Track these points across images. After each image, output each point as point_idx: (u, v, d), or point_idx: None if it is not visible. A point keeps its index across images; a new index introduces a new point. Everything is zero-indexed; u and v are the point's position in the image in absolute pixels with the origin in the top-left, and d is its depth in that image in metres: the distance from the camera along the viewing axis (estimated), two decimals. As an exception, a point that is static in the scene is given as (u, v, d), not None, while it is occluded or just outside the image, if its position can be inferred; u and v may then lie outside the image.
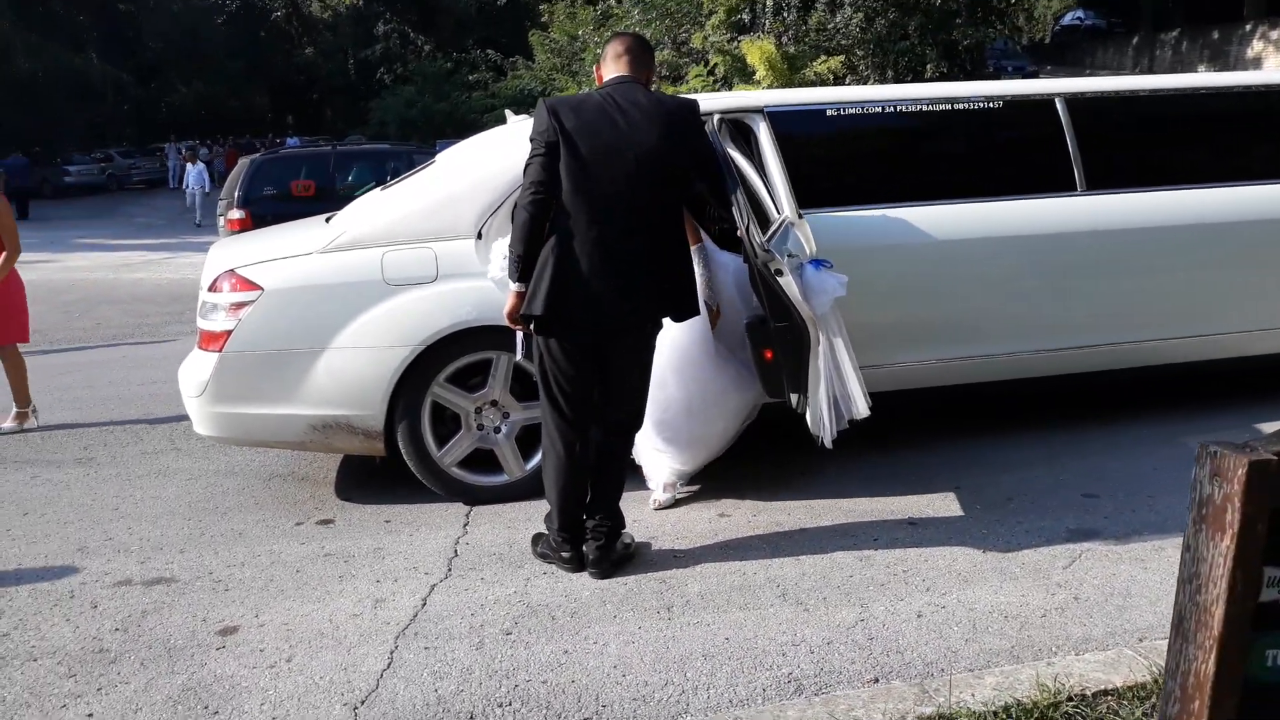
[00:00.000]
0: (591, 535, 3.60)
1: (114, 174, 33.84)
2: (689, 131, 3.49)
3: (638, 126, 3.37)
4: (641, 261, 3.39)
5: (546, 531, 3.70)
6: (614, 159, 3.33)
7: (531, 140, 3.37)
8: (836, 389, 3.74)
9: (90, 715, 2.79)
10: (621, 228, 3.35)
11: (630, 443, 3.78)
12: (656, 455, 4.19)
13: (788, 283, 3.59)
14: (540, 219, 3.32)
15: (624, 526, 3.70)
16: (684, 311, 3.59)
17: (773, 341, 3.74)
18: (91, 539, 4.12)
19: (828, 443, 3.74)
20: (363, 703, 2.80)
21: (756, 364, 3.90)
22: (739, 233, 3.77)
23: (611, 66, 3.54)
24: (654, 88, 3.72)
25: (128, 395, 6.80)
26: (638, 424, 3.75)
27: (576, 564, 3.60)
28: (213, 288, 4.25)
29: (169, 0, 40.51)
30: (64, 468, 5.14)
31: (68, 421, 6.09)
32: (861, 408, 3.79)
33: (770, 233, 3.73)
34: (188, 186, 23.54)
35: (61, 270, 15.56)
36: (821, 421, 3.72)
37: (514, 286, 3.38)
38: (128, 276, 14.65)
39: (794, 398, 3.78)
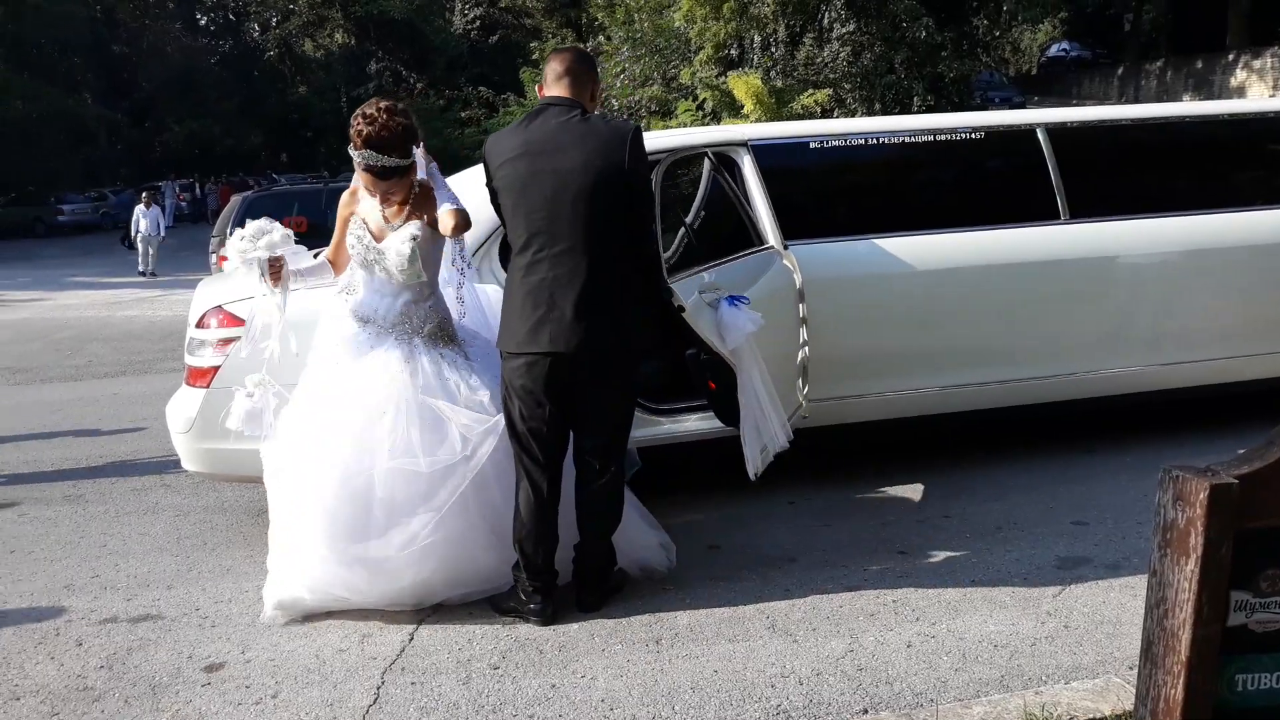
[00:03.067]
0: (576, 577, 3.53)
1: (108, 213, 33.87)
2: (619, 155, 3.27)
3: (563, 150, 3.27)
4: (573, 287, 3.25)
5: (515, 581, 3.49)
6: (534, 184, 3.28)
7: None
8: (759, 421, 3.78)
9: (73, 755, 2.76)
10: (549, 253, 3.28)
11: (615, 473, 3.47)
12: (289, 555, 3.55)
13: (693, 319, 3.62)
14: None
15: (615, 563, 3.65)
16: (631, 343, 3.41)
17: (712, 373, 3.77)
18: (78, 576, 4.10)
19: (752, 475, 3.82)
20: (348, 739, 2.78)
21: (704, 395, 3.90)
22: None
23: (552, 88, 3.42)
24: (600, 110, 3.71)
25: (118, 432, 6.78)
26: (615, 450, 3.46)
27: (547, 616, 3.41)
28: (200, 323, 4.26)
29: (163, 42, 40.80)
30: (52, 505, 5.12)
31: (57, 459, 6.07)
32: (780, 439, 3.86)
33: (687, 273, 3.81)
34: (140, 232, 20.72)
35: (54, 308, 15.56)
36: (746, 456, 3.80)
37: None
38: (120, 314, 14.64)
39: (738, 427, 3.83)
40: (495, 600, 3.53)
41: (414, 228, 3.52)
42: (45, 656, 3.36)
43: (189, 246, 26.05)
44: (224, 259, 12.58)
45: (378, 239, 3.53)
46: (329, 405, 3.50)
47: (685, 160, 4.61)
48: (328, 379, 3.57)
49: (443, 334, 3.63)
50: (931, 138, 4.78)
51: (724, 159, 4.59)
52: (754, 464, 3.86)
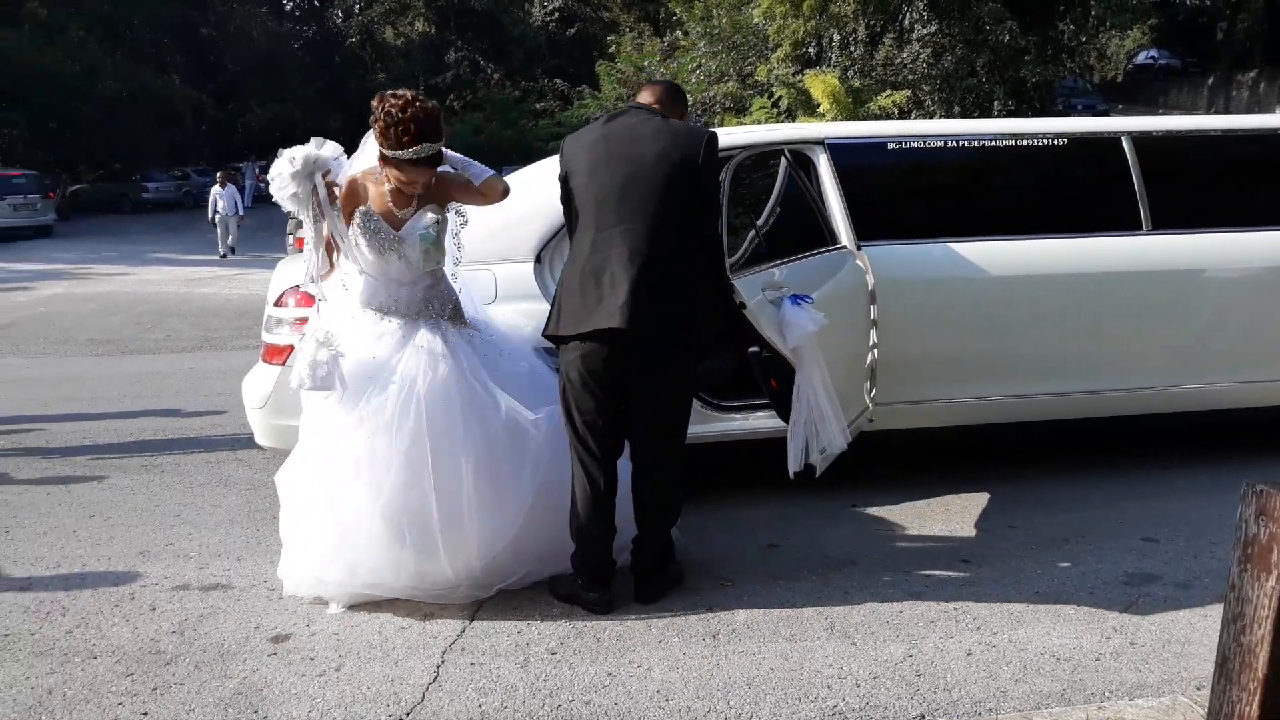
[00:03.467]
0: (634, 569, 3.54)
1: (190, 191, 34.74)
2: (694, 151, 3.34)
3: (640, 141, 3.37)
4: (634, 265, 3.25)
5: (574, 569, 3.50)
6: (606, 168, 3.36)
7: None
8: (817, 422, 3.75)
9: (145, 714, 2.85)
10: (614, 231, 3.30)
11: (673, 466, 3.48)
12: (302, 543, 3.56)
13: (754, 316, 3.60)
14: None
15: (674, 556, 3.67)
16: (691, 332, 3.37)
17: (774, 371, 3.73)
18: (153, 544, 4.23)
19: (791, 473, 3.79)
20: (407, 715, 2.84)
21: (766, 393, 3.86)
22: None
23: (640, 100, 3.66)
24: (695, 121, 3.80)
25: (194, 405, 6.96)
26: (673, 443, 3.46)
27: (603, 606, 3.44)
28: (278, 302, 4.35)
29: (249, 26, 41.66)
30: (130, 473, 5.28)
31: (136, 430, 6.25)
32: (839, 441, 3.82)
33: (756, 269, 3.79)
34: (218, 212, 20.55)
35: (136, 283, 16.00)
36: (796, 454, 3.76)
37: None
38: (199, 291, 15.02)
39: None
40: (553, 584, 3.57)
41: (432, 212, 3.54)
42: (121, 619, 3.47)
43: (267, 227, 26.60)
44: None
45: (395, 228, 3.49)
46: (376, 394, 3.41)
47: (760, 157, 4.59)
48: (367, 371, 3.45)
49: (459, 315, 3.65)
50: (1012, 142, 4.71)
51: (799, 157, 4.56)
52: (796, 462, 3.80)
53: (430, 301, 3.58)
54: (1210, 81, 34.04)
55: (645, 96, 3.69)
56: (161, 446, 5.84)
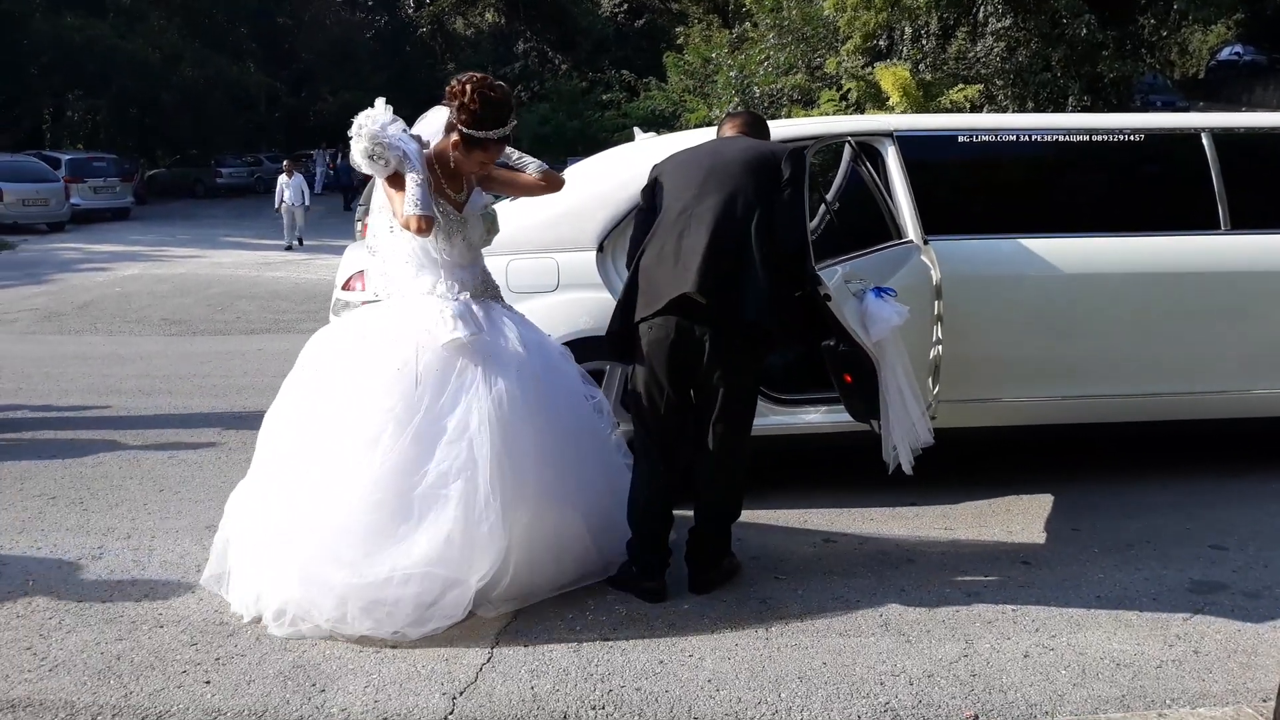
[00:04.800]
0: (689, 559, 3.56)
1: (261, 177, 35.45)
2: (778, 151, 3.50)
3: (727, 145, 3.58)
4: (704, 241, 3.31)
5: (631, 557, 3.52)
6: (693, 162, 3.52)
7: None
8: (901, 417, 3.67)
9: (208, 682, 2.93)
10: (691, 213, 3.39)
11: (735, 457, 3.48)
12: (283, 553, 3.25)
13: (837, 308, 3.53)
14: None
15: (729, 550, 3.66)
16: (760, 317, 3.33)
17: (849, 365, 3.67)
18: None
19: (906, 469, 3.69)
20: (461, 693, 2.87)
21: (838, 388, 3.81)
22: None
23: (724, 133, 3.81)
24: (742, 99, 3.90)
25: (261, 385, 7.10)
26: (737, 433, 3.47)
27: (656, 595, 3.46)
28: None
29: (323, 15, 42.33)
30: (198, 449, 5.41)
31: (205, 407, 6.41)
32: (924, 435, 3.75)
33: (823, 264, 3.71)
34: (284, 202, 19.58)
35: (208, 265, 16.37)
36: (890, 449, 3.68)
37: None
38: (268, 274, 15.32)
39: (874, 423, 3.72)
40: (613, 575, 3.58)
41: (484, 195, 3.59)
42: (187, 591, 3.56)
43: (335, 213, 27.07)
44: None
45: (458, 210, 3.49)
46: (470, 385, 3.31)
47: (829, 149, 4.55)
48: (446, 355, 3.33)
49: (500, 295, 3.66)
50: (1086, 138, 4.60)
51: (867, 149, 4.52)
52: (905, 459, 3.71)
53: (487, 284, 3.60)
54: (1297, 79, 32.94)
55: (730, 127, 3.80)
56: (229, 424, 5.98)
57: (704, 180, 3.44)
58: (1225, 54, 40.60)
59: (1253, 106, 32.92)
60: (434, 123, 3.53)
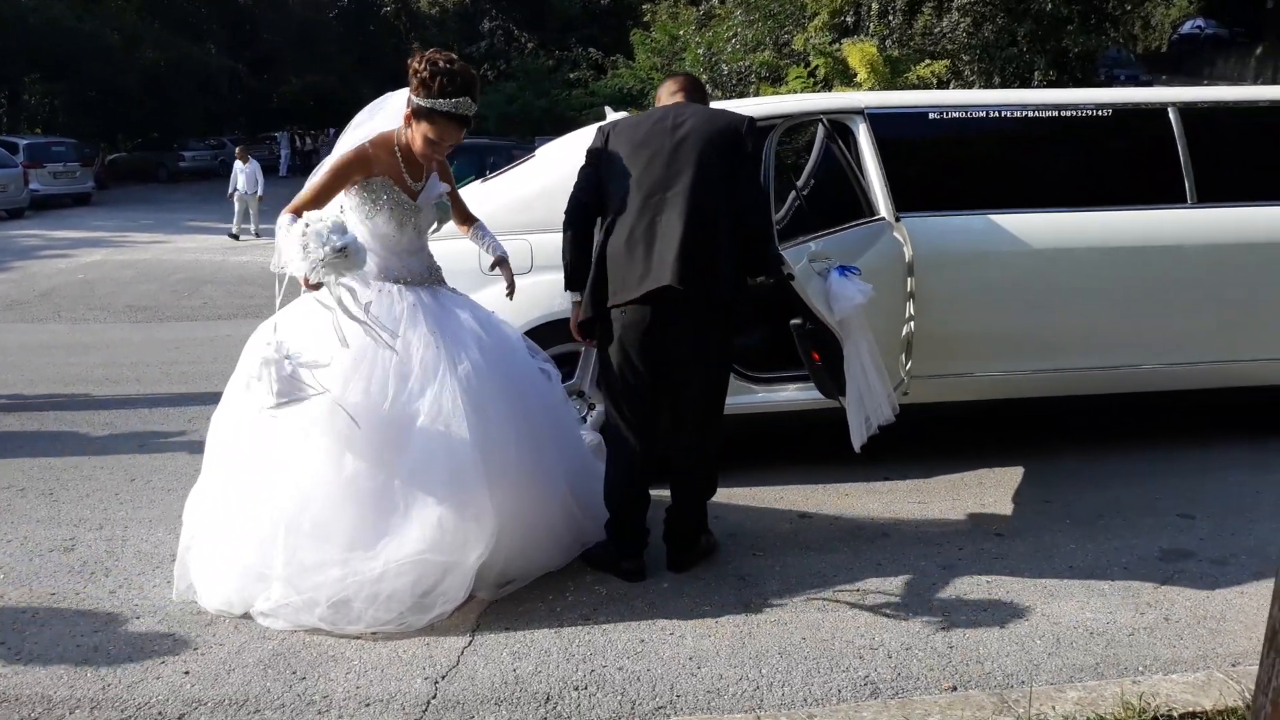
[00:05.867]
0: (667, 539, 3.57)
1: (225, 160, 35.04)
2: (737, 124, 3.43)
3: (683, 119, 3.43)
4: (678, 227, 3.27)
5: (609, 537, 3.54)
6: (653, 139, 3.40)
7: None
8: (864, 394, 3.70)
9: (187, 672, 2.91)
10: (658, 198, 3.33)
11: (709, 436, 3.48)
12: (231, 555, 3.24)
13: (800, 286, 3.55)
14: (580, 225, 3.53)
15: (706, 528, 3.69)
16: (732, 297, 3.36)
17: (816, 343, 3.69)
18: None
19: (856, 445, 3.71)
20: (443, 677, 2.87)
21: (807, 366, 3.83)
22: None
23: (670, 101, 3.67)
24: (709, 75, 3.83)
25: (230, 372, 7.00)
26: (710, 413, 3.48)
27: (636, 574, 3.48)
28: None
29: (285, -6, 41.79)
30: (169, 438, 5.36)
31: (174, 395, 6.34)
32: (886, 414, 3.79)
33: (795, 241, 3.72)
34: (236, 189, 18.55)
35: (172, 251, 16.17)
36: (852, 427, 3.69)
37: (573, 297, 3.52)
38: (233, 259, 15.15)
39: (842, 400, 3.75)
40: (587, 553, 3.59)
41: (439, 183, 3.51)
42: (163, 581, 3.53)
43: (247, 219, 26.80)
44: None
45: (412, 198, 3.41)
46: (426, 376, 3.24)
47: (799, 127, 4.54)
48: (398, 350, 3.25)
49: (443, 279, 3.59)
50: (1055, 113, 4.63)
51: (839, 127, 4.52)
52: (859, 435, 3.78)
53: (431, 269, 3.54)
54: (1259, 51, 33.23)
55: (671, 88, 3.73)
56: (199, 413, 5.91)
57: (670, 157, 3.36)
58: (1187, 28, 40.94)
59: (1214, 79, 33.24)
60: (395, 106, 3.47)
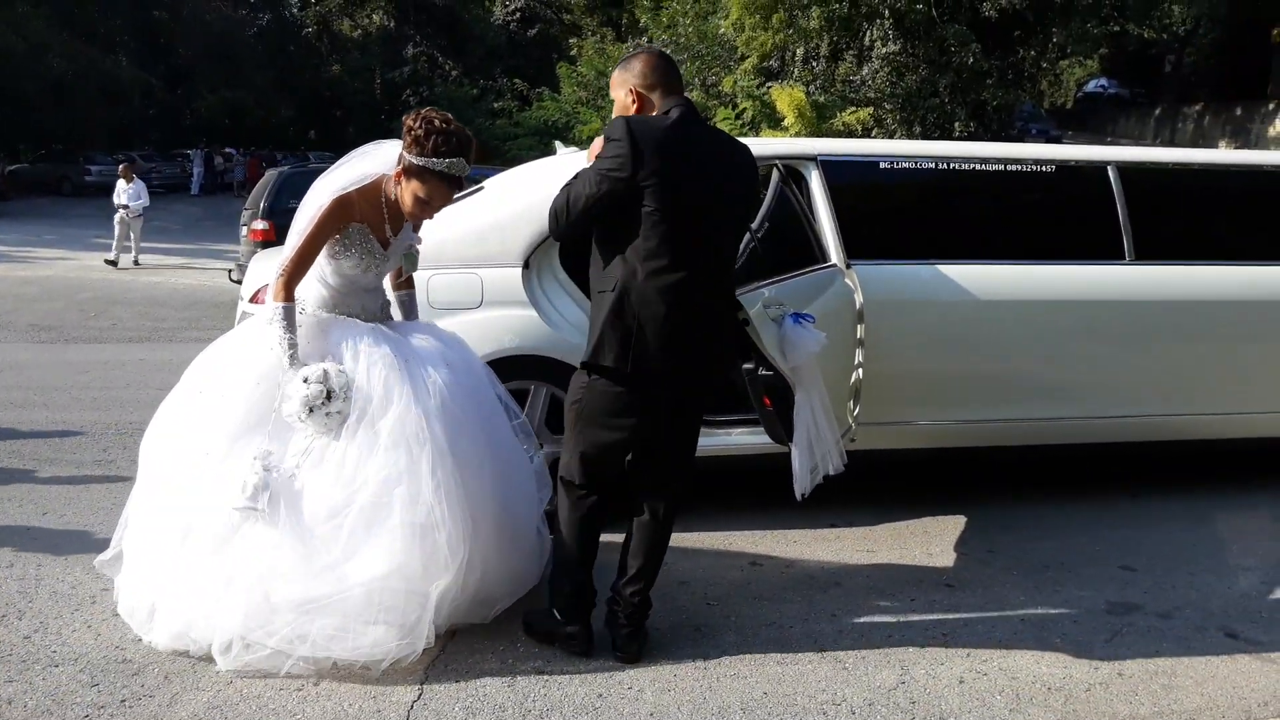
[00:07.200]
0: (624, 608, 3.21)
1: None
2: (754, 177, 3.29)
3: (717, 157, 3.13)
4: (717, 310, 3.16)
5: (551, 600, 3.23)
6: (705, 198, 3.05)
7: (606, 161, 3.00)
8: (814, 442, 3.66)
9: (113, 728, 2.71)
10: (707, 274, 3.09)
11: (674, 504, 3.28)
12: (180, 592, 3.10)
13: (755, 332, 3.50)
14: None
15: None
16: (727, 361, 3.34)
17: (768, 389, 3.62)
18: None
19: (797, 495, 3.62)
20: (393, 734, 2.73)
21: (758, 411, 3.79)
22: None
23: (664, 89, 3.15)
24: None
25: (145, 399, 6.72)
26: (683, 475, 3.30)
27: (586, 641, 3.19)
28: (254, 299, 4.21)
29: (202, 9, 40.86)
30: (84, 468, 5.09)
31: (87, 422, 6.03)
32: (835, 464, 3.74)
33: (749, 286, 3.68)
34: (121, 205, 16.37)
35: (78, 268, 15.57)
36: (795, 473, 3.61)
37: None
38: (143, 279, 14.64)
39: (791, 446, 3.71)
40: (527, 619, 3.32)
41: (412, 232, 3.42)
42: (82, 625, 3.31)
43: (214, 216, 26.16)
44: (257, 233, 12.51)
45: (384, 247, 3.33)
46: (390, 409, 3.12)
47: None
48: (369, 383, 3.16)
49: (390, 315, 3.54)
50: (1001, 167, 4.70)
51: (793, 172, 4.53)
52: (802, 484, 3.73)
53: (383, 306, 3.49)
54: (1157, 112, 34.85)
55: (663, 69, 3.18)
56: (114, 441, 5.64)
57: (705, 215, 3.06)
58: (1091, 86, 42.80)
59: (1117, 137, 34.72)
60: (385, 154, 3.34)
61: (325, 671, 2.99)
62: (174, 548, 3.13)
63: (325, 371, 3.08)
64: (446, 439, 3.10)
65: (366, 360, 3.17)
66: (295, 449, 3.10)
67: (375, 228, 3.28)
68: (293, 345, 3.16)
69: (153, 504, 3.27)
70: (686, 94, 3.31)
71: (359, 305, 3.37)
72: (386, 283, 3.55)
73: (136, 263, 16.26)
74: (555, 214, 3.16)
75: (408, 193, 3.21)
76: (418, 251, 3.46)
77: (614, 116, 3.18)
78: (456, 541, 3.04)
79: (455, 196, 3.41)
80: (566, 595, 3.21)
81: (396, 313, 3.58)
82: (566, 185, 3.12)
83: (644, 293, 2.99)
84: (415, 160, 3.14)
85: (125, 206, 16.34)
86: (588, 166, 3.10)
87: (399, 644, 2.98)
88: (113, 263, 16.04)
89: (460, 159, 3.15)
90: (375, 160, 3.33)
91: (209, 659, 3.02)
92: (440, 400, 3.16)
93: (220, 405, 3.20)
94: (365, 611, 2.97)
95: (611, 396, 3.08)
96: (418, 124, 3.14)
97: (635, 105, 3.16)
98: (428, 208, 3.24)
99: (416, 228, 3.44)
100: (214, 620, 3.00)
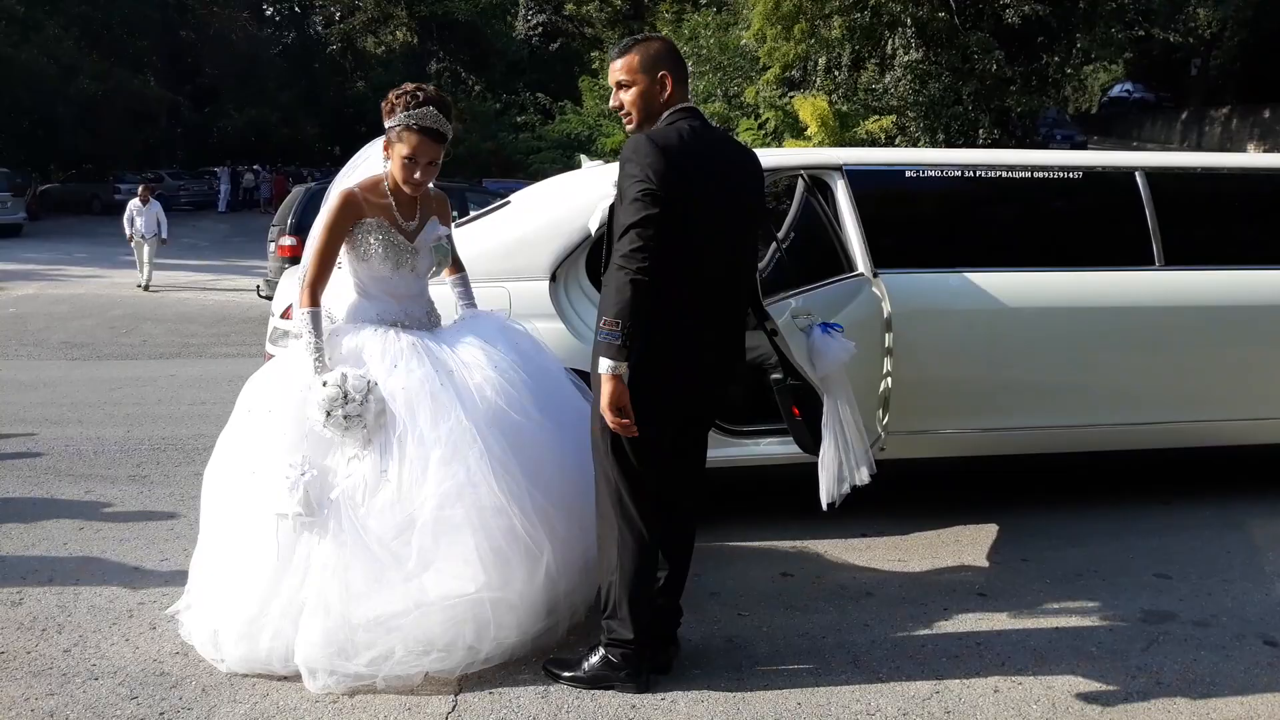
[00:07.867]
0: (670, 622, 3.23)
1: (163, 194, 34.38)
2: (761, 186, 3.28)
3: (731, 170, 3.08)
4: (740, 330, 3.18)
5: (608, 642, 3.05)
6: (715, 201, 2.98)
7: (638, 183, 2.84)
8: (842, 452, 3.65)
9: (152, 741, 2.74)
10: (731, 292, 3.11)
11: (695, 511, 3.30)
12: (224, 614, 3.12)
13: (783, 342, 3.51)
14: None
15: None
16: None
17: (797, 399, 3.63)
18: (147, 558, 4.10)
19: (824, 504, 3.60)
20: (428, 746, 2.74)
21: (786, 421, 3.78)
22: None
23: (679, 86, 3.07)
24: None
25: (178, 414, 6.82)
26: (701, 482, 3.31)
27: (648, 680, 3.07)
28: (285, 314, 4.25)
29: (229, 30, 41.33)
30: (118, 484, 5.14)
31: (120, 437, 6.10)
32: (863, 474, 3.71)
33: (776, 296, 3.67)
34: (138, 231, 16.02)
35: (109, 286, 15.77)
36: (823, 483, 3.61)
37: (618, 368, 2.81)
38: (173, 296, 14.81)
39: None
40: (585, 674, 3.09)
41: (438, 225, 3.45)
42: (120, 638, 3.35)
43: (242, 233, 26.43)
44: (285, 249, 12.61)
45: (408, 239, 3.35)
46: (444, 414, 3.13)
47: (779, 182, 4.55)
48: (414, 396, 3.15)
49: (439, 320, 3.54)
50: (1027, 174, 4.69)
51: (818, 182, 4.53)
52: (829, 493, 3.68)
53: (430, 313, 3.48)
54: (1184, 116, 34.58)
55: (667, 53, 3.08)
56: (148, 456, 5.70)
57: (728, 231, 3.04)
58: (1116, 91, 42.48)
59: (1142, 141, 34.47)
60: (378, 151, 3.42)
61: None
62: (231, 570, 3.14)
63: (344, 375, 3.07)
64: (504, 447, 3.12)
65: (405, 375, 3.17)
66: (338, 461, 3.11)
67: (389, 219, 3.33)
68: (319, 350, 3.17)
69: (208, 528, 3.30)
70: (709, 105, 3.37)
71: (402, 312, 3.36)
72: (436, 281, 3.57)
73: (146, 287, 15.71)
74: (638, 257, 2.82)
75: (396, 162, 3.28)
76: (448, 245, 3.48)
77: (635, 100, 3.05)
78: (536, 545, 3.09)
79: (442, 157, 3.34)
80: (638, 637, 3.06)
81: (456, 305, 3.60)
82: (625, 234, 2.83)
83: (671, 315, 2.94)
84: (391, 123, 3.25)
85: (134, 233, 16.01)
86: (616, 201, 2.94)
87: (486, 652, 3.05)
88: (144, 287, 15.79)
89: (430, 108, 3.22)
90: (371, 161, 3.43)
91: (265, 677, 3.05)
92: (491, 411, 3.16)
93: (268, 422, 3.20)
94: (447, 625, 2.99)
95: (666, 415, 3.02)
96: (391, 96, 3.28)
97: (666, 92, 3.02)
98: (414, 165, 3.27)
99: (442, 219, 3.46)
100: (284, 641, 3.02)
